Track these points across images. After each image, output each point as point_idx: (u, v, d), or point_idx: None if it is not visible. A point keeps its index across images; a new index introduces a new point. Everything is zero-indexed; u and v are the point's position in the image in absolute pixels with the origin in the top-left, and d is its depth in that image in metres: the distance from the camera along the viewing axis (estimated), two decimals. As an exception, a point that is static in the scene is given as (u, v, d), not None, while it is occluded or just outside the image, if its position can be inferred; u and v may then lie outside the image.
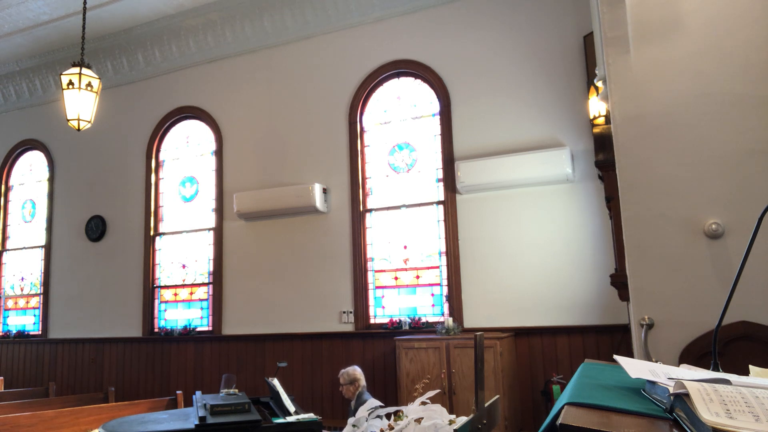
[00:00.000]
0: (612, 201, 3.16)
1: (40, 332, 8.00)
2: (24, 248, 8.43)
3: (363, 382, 4.65)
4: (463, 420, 1.51)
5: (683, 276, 2.46)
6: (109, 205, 7.71)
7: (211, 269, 6.97)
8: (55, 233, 8.11)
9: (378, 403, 2.34)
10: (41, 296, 8.08)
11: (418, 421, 1.94)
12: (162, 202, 7.51)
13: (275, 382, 3.49)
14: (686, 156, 2.52)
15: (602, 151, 3.37)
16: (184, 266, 7.21)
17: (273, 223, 6.59)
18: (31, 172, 8.64)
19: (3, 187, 8.76)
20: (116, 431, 2.86)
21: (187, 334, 6.88)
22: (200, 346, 6.79)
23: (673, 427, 0.83)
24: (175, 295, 7.22)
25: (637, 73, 2.64)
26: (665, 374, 0.99)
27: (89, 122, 5.13)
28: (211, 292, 6.95)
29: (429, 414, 1.93)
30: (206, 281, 7.03)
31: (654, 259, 2.52)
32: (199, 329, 6.93)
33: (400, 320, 5.82)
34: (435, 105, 6.07)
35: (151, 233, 7.39)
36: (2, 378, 6.13)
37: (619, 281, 3.16)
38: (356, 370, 4.67)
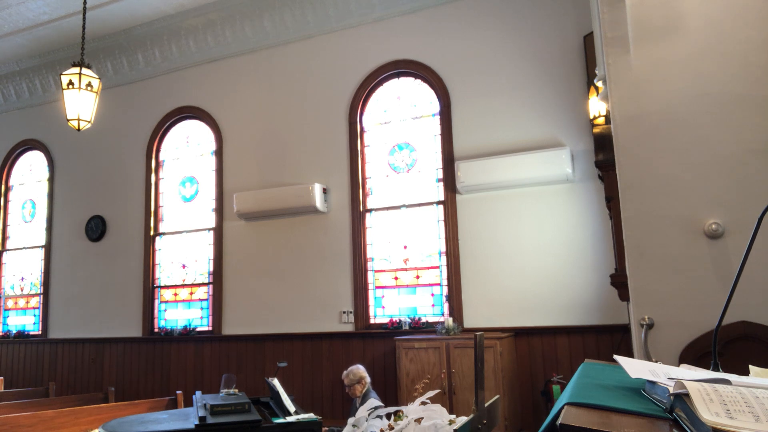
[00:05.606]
0: (612, 201, 3.16)
1: (40, 332, 8.00)
2: (24, 248, 8.43)
3: (368, 379, 4.66)
4: (463, 420, 1.51)
5: (683, 276, 2.46)
6: (109, 205, 7.70)
7: (211, 269, 6.97)
8: (55, 233, 8.11)
9: (378, 402, 2.34)
10: (41, 296, 8.08)
11: (418, 421, 1.94)
12: (162, 202, 7.51)
13: (275, 382, 3.49)
14: (686, 156, 2.52)
15: (602, 151, 3.37)
16: (184, 266, 7.21)
17: (273, 223, 6.59)
18: (31, 172, 8.64)
19: (3, 187, 8.76)
20: (116, 431, 2.86)
21: (187, 334, 6.88)
22: (200, 346, 6.79)
23: (673, 427, 0.83)
24: (175, 295, 7.21)
25: (637, 73, 2.64)
26: (665, 374, 0.99)
27: (89, 122, 5.13)
28: (211, 292, 6.95)
29: (429, 414, 1.93)
30: (206, 281, 7.03)
31: (654, 259, 2.52)
32: (199, 329, 6.93)
33: (400, 320, 5.82)
34: (435, 105, 6.07)
35: (151, 233, 7.39)
36: (2, 378, 6.13)
37: (619, 281, 3.16)
38: (360, 369, 4.67)
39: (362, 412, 2.30)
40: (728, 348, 2.30)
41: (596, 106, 4.68)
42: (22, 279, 8.38)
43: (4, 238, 8.65)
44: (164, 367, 6.97)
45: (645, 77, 2.63)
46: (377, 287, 6.09)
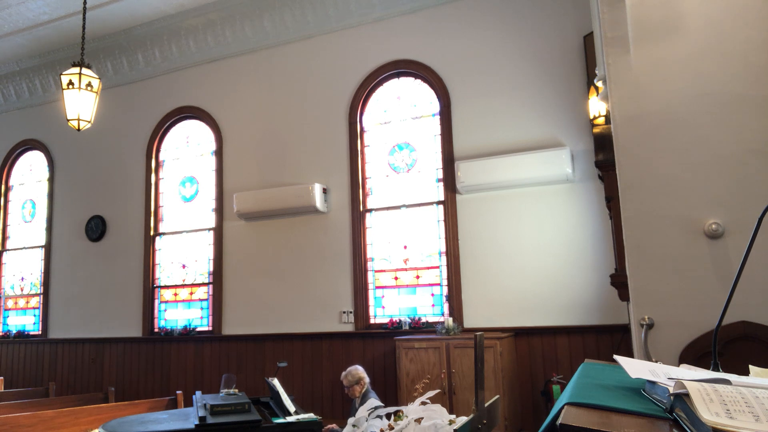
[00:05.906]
0: (612, 201, 3.17)
1: (40, 332, 8.00)
2: (24, 248, 8.42)
3: (367, 379, 4.66)
4: (463, 420, 1.51)
5: (683, 276, 2.46)
6: (109, 205, 7.70)
7: (211, 269, 6.97)
8: (55, 233, 8.11)
9: (378, 402, 2.34)
10: (41, 296, 8.08)
11: (418, 421, 1.94)
12: (162, 202, 7.51)
13: (275, 382, 3.49)
14: (686, 156, 2.52)
15: (602, 151, 3.37)
16: (184, 266, 7.21)
17: (273, 223, 6.59)
18: (31, 172, 8.64)
19: (3, 187, 8.76)
20: (116, 431, 2.86)
21: (187, 334, 6.88)
22: (200, 346, 6.79)
23: (673, 427, 0.83)
24: (175, 295, 7.21)
25: (637, 73, 2.64)
26: (665, 374, 0.99)
27: (89, 122, 5.13)
28: (211, 292, 6.95)
29: (429, 414, 1.93)
30: (206, 281, 7.03)
31: (654, 259, 2.52)
32: (199, 329, 6.93)
33: (400, 320, 5.82)
34: (435, 105, 6.07)
35: (151, 233, 7.39)
36: (2, 378, 6.13)
37: (619, 281, 3.16)
38: (358, 369, 4.67)
39: (362, 412, 2.30)
40: (728, 348, 2.30)
41: (596, 106, 4.68)
42: (22, 279, 8.38)
43: (4, 238, 8.65)
44: (164, 367, 6.97)
45: (645, 77, 2.62)
46: (377, 287, 6.09)
